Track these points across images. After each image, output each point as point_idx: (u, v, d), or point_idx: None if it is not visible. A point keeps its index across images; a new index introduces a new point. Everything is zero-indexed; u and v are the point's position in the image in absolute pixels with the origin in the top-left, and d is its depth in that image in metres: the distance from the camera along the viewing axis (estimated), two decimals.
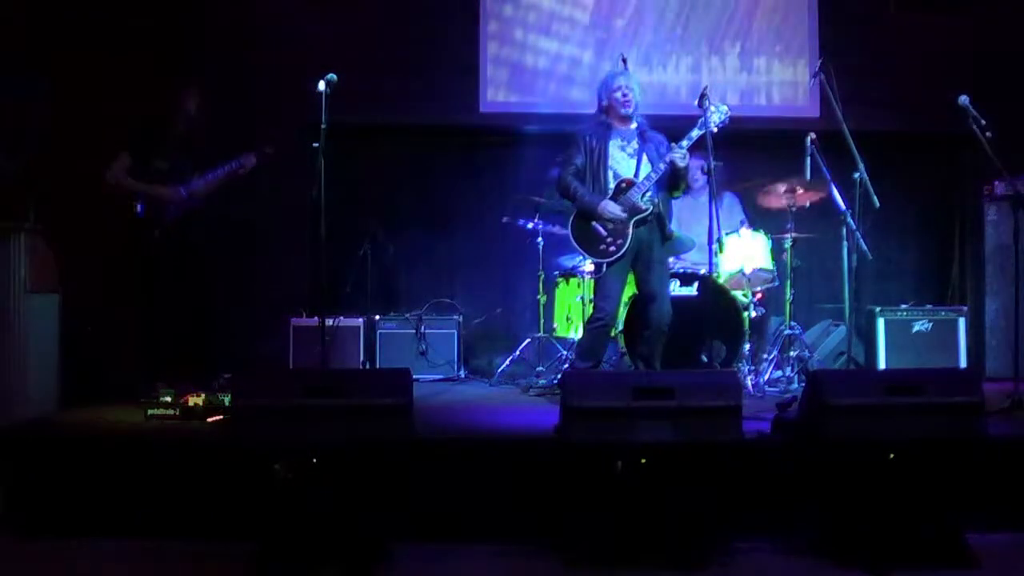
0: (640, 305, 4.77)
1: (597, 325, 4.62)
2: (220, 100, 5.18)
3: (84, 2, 5.60)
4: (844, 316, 4.71)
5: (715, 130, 4.38)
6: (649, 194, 4.53)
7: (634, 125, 4.67)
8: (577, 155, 4.66)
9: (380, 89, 6.10)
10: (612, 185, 4.61)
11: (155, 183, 4.70)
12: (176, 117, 4.79)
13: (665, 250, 4.73)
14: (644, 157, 4.61)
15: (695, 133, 4.43)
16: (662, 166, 4.49)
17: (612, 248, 4.55)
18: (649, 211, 4.54)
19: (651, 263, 4.62)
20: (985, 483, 3.36)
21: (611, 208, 4.53)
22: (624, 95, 4.59)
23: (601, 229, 4.56)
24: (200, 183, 4.76)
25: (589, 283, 5.16)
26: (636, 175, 4.58)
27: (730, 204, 5.66)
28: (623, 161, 4.63)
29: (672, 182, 4.61)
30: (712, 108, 4.36)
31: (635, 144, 4.64)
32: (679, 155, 4.45)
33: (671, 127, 4.80)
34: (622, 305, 4.87)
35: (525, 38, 6.34)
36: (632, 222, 4.53)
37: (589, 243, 4.60)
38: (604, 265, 4.58)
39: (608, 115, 4.66)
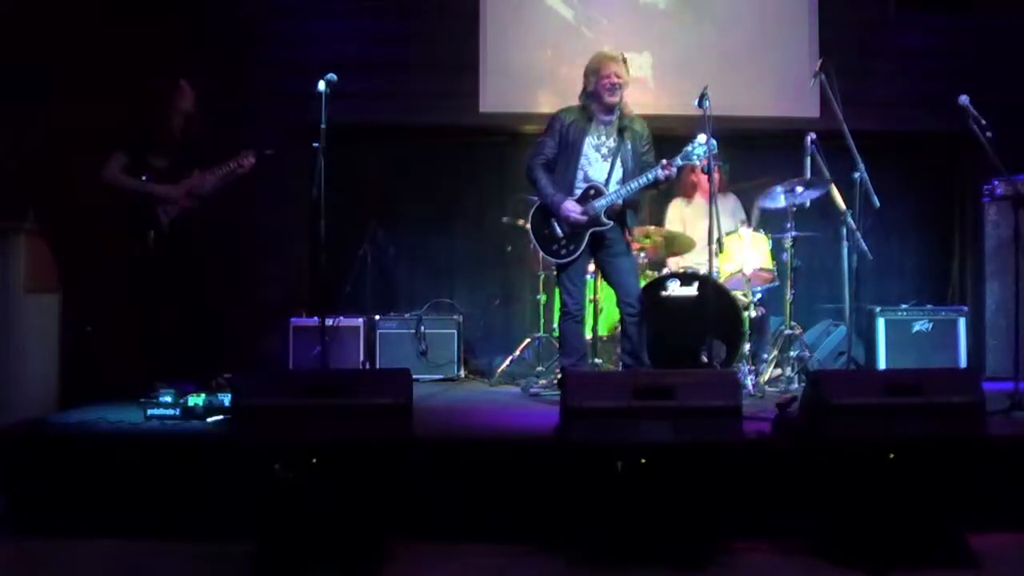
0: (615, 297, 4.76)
1: (567, 319, 4.67)
2: (221, 101, 5.17)
3: (84, 1, 5.60)
4: (844, 316, 4.72)
5: (697, 162, 4.51)
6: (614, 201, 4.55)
7: (616, 116, 4.61)
8: (550, 143, 4.63)
9: (380, 89, 6.10)
10: (580, 186, 4.60)
11: (153, 182, 4.67)
12: (171, 115, 4.73)
13: (627, 240, 4.70)
14: (618, 161, 4.58)
15: (679, 161, 4.46)
16: (645, 179, 4.46)
17: (564, 252, 4.61)
18: (608, 227, 4.56)
19: (614, 254, 4.64)
20: (985, 483, 3.36)
21: (574, 212, 4.52)
22: (613, 83, 4.50)
23: (558, 231, 4.60)
24: (198, 182, 4.71)
25: (589, 283, 5.15)
26: (607, 182, 4.56)
27: (735, 206, 5.67)
28: (596, 163, 4.60)
29: (652, 188, 4.61)
30: (696, 143, 4.38)
31: (612, 143, 4.60)
32: (663, 175, 4.45)
33: (670, 127, 4.80)
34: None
35: (525, 39, 6.34)
36: (589, 232, 4.56)
37: (545, 240, 4.66)
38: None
39: (592, 102, 4.59)
